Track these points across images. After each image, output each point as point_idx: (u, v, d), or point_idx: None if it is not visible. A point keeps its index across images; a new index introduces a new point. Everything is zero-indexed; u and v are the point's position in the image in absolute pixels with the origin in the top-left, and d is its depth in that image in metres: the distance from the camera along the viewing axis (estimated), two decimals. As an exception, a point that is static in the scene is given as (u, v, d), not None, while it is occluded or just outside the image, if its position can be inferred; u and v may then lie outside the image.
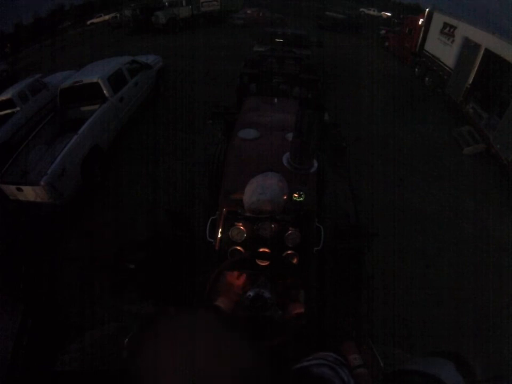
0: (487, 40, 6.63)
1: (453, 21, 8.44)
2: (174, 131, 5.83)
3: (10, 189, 3.85)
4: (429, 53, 9.77)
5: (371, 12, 23.92)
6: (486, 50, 6.60)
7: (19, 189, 3.80)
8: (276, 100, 3.35)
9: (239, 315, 1.28)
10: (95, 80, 5.22)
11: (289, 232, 1.75)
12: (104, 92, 5.23)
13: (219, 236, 1.80)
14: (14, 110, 5.78)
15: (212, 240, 1.85)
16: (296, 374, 0.62)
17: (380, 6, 24.64)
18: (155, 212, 3.77)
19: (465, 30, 7.67)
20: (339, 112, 6.25)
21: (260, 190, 1.53)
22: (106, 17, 20.75)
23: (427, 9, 10.00)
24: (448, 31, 8.60)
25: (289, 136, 2.09)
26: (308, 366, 0.63)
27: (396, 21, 17.81)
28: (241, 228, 1.75)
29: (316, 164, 2.02)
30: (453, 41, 8.26)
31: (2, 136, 5.20)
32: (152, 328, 0.47)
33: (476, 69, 6.92)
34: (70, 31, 20.59)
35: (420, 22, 10.47)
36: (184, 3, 16.50)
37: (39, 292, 2.93)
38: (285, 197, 1.57)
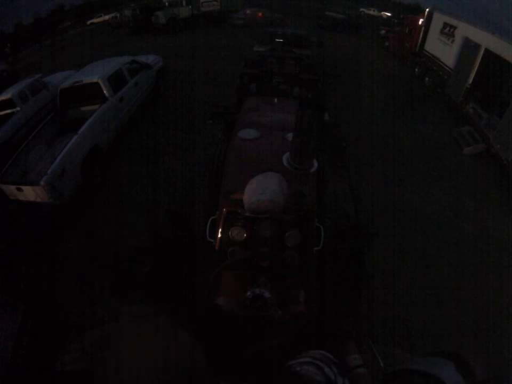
0: (487, 40, 6.63)
1: (453, 21, 8.44)
2: (174, 131, 5.83)
3: (10, 189, 3.85)
4: (429, 53, 9.77)
5: (371, 12, 23.91)
6: (486, 50, 6.60)
7: (19, 189, 3.80)
8: (275, 100, 3.36)
9: (239, 315, 1.28)
10: (95, 80, 5.22)
11: (289, 232, 1.75)
12: (104, 92, 5.22)
13: (219, 235, 1.80)
14: (14, 110, 5.78)
15: (212, 240, 1.85)
16: (276, 373, 0.62)
17: (380, 6, 24.63)
18: (155, 211, 3.77)
19: (465, 30, 7.67)
20: (339, 112, 6.25)
21: (259, 190, 1.53)
22: (106, 17, 20.74)
23: (427, 9, 9.99)
24: (448, 31, 8.60)
25: (289, 136, 2.09)
26: (290, 364, 0.63)
27: (396, 21, 17.78)
28: (241, 228, 1.75)
29: (315, 164, 2.02)
30: (453, 41, 8.25)
31: (2, 136, 5.20)
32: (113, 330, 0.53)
33: (475, 69, 6.92)
34: (70, 31, 20.59)
35: (420, 22, 10.47)
36: (184, 3, 16.49)
37: (39, 291, 2.92)
38: (285, 197, 1.57)
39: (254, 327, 1.23)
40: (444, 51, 8.67)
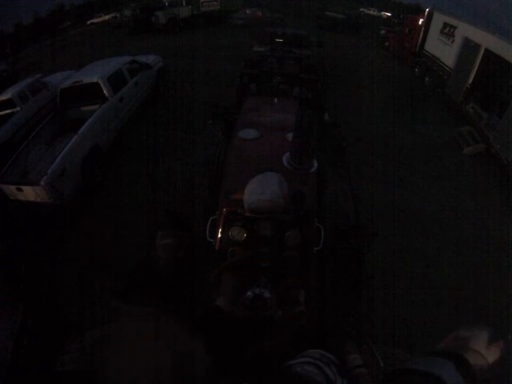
0: (487, 40, 6.63)
1: (453, 21, 8.44)
2: (174, 131, 5.83)
3: (10, 189, 3.85)
4: (429, 53, 9.77)
5: (371, 12, 23.87)
6: (486, 50, 6.61)
7: (19, 189, 3.80)
8: (275, 100, 3.36)
9: (239, 315, 1.28)
10: (95, 80, 5.22)
11: (289, 232, 1.75)
12: (104, 92, 5.22)
13: (219, 235, 1.80)
14: (14, 110, 5.78)
15: (212, 240, 1.85)
16: (277, 374, 0.62)
17: (379, 6, 24.59)
18: (155, 211, 3.77)
19: (465, 30, 7.68)
20: (339, 112, 6.25)
21: (259, 190, 1.53)
22: (106, 17, 20.71)
23: (427, 9, 10.00)
24: (448, 31, 8.60)
25: (289, 136, 2.09)
26: (290, 365, 0.62)
27: (396, 21, 17.77)
28: (241, 228, 1.75)
29: (315, 164, 2.02)
30: (453, 41, 8.26)
31: (2, 136, 5.19)
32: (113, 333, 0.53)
33: (475, 69, 6.92)
34: (70, 31, 20.56)
35: (420, 22, 10.47)
36: (184, 3, 16.48)
37: (39, 291, 2.92)
38: (285, 197, 1.57)
39: (254, 327, 1.22)
40: (444, 51, 8.67)
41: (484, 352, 0.61)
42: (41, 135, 4.84)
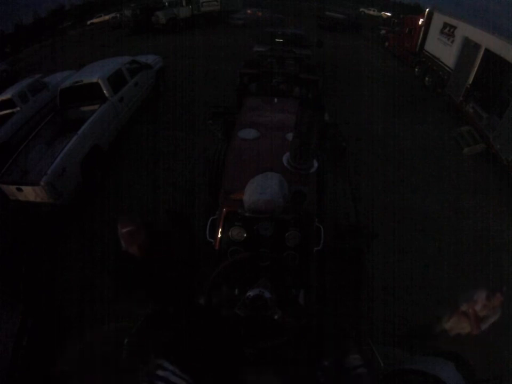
0: (487, 40, 6.63)
1: (453, 21, 8.43)
2: (174, 131, 5.83)
3: (10, 189, 3.85)
4: (429, 53, 9.76)
5: (371, 12, 23.87)
6: (486, 50, 6.60)
7: (19, 189, 3.80)
8: (276, 99, 3.36)
9: (239, 315, 1.28)
10: (95, 80, 5.22)
11: (289, 232, 1.75)
12: (104, 91, 5.22)
13: (219, 235, 1.80)
14: (14, 110, 5.78)
15: (212, 240, 1.85)
16: None
17: (379, 6, 24.58)
18: (155, 211, 3.77)
19: (465, 30, 7.67)
20: (339, 112, 6.25)
21: (259, 190, 1.53)
22: (106, 17, 20.69)
23: (427, 9, 9.99)
24: (448, 31, 8.60)
25: (289, 136, 2.09)
26: None
27: (396, 21, 17.75)
28: (241, 228, 1.75)
29: (316, 164, 2.03)
30: (453, 41, 8.25)
31: (2, 136, 5.20)
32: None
33: (475, 69, 6.92)
34: (70, 31, 20.56)
35: (420, 22, 10.46)
36: (184, 3, 16.49)
37: (39, 291, 2.92)
38: (285, 197, 1.57)
39: (254, 327, 1.22)
40: (444, 51, 8.67)
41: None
42: (41, 135, 4.84)
